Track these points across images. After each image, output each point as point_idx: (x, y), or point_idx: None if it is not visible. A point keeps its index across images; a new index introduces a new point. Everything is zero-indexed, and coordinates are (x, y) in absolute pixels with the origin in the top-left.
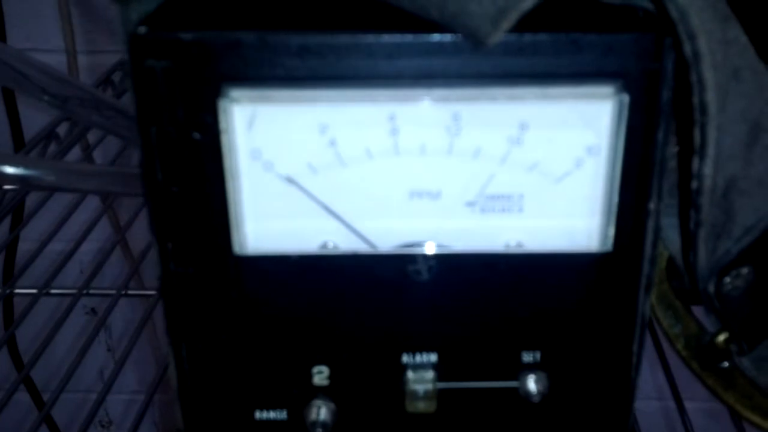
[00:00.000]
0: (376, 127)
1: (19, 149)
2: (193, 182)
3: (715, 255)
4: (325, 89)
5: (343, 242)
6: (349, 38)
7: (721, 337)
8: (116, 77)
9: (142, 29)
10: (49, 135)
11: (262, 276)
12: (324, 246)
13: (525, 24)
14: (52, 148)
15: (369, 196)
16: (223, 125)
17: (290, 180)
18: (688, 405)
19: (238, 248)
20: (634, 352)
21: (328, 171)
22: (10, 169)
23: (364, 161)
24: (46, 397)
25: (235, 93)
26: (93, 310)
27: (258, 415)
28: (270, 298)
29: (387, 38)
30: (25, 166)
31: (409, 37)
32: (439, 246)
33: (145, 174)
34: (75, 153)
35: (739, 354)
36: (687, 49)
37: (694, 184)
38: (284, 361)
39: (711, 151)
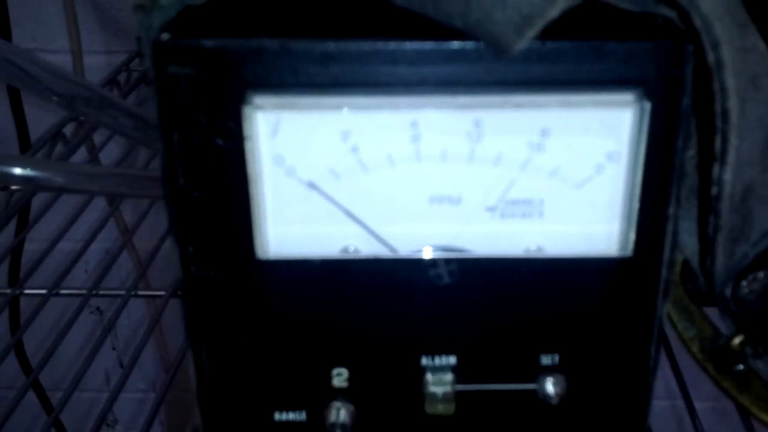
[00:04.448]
0: (398, 133)
1: (25, 150)
2: (215, 187)
3: (732, 259)
4: (348, 96)
5: (365, 247)
6: (372, 45)
7: (737, 340)
8: (122, 78)
9: (165, 36)
10: (55, 135)
11: (284, 280)
12: (345, 250)
13: (546, 31)
14: (59, 148)
15: (390, 202)
16: (247, 132)
17: (312, 185)
18: (696, 404)
19: (260, 252)
20: (651, 355)
21: (350, 177)
22: (19, 171)
23: (386, 167)
24: (52, 396)
25: (259, 100)
26: (98, 309)
27: (277, 416)
28: (291, 302)
29: (409, 45)
30: (34, 167)
31: (431, 44)
32: (459, 250)
33: (166, 179)
34: (81, 153)
35: (755, 357)
36: (710, 58)
37: (714, 190)
38: (304, 363)
39: (731, 158)
